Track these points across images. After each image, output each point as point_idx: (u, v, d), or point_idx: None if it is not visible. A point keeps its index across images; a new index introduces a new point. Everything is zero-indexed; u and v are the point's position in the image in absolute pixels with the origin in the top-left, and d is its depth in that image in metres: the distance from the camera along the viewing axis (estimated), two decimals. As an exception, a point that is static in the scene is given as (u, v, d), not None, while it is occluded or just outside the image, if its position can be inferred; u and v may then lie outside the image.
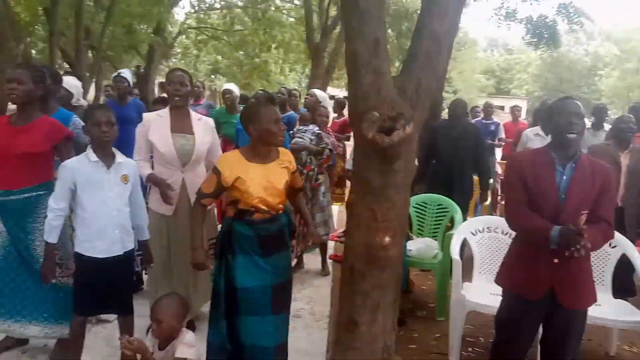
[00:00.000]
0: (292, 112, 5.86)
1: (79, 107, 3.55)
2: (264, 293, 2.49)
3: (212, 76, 25.60)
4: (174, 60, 22.33)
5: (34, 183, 2.71)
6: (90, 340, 2.88)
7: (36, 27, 15.30)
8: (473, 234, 3.50)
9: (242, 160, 2.48)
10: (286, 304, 2.66)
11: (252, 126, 2.47)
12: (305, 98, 5.42)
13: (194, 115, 3.20)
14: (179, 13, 29.94)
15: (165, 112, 3.13)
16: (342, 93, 24.27)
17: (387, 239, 2.18)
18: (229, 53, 20.58)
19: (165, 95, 3.96)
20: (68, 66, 13.75)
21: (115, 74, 4.93)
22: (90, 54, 15.14)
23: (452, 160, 4.70)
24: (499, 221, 3.52)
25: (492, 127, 7.30)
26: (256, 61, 19.68)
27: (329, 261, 4.82)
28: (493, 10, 8.97)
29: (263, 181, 2.46)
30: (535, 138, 5.08)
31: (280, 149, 2.62)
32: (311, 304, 3.90)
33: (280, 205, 2.56)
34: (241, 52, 19.77)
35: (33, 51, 15.72)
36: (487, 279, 3.22)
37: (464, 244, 3.49)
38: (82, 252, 2.52)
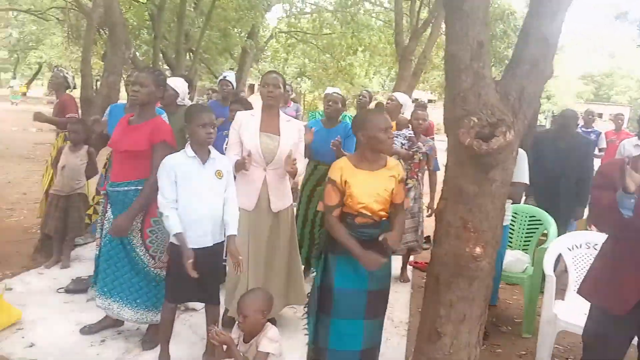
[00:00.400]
0: None
1: (182, 107, 3.81)
2: (359, 297, 2.49)
3: (299, 79, 26.13)
4: (264, 63, 23.06)
5: (135, 178, 2.87)
6: (178, 328, 3.03)
7: (141, 31, 16.46)
8: (569, 250, 3.29)
9: (350, 166, 2.51)
10: (381, 310, 2.64)
11: (361, 133, 2.47)
12: (387, 103, 5.32)
13: (283, 116, 3.28)
14: (271, 18, 30.87)
15: (257, 112, 3.26)
16: (426, 96, 23.81)
17: (478, 249, 2.09)
18: (316, 56, 20.89)
19: (242, 95, 4.08)
20: (168, 68, 14.64)
21: (221, 77, 5.16)
22: (187, 57, 16.04)
23: (560, 173, 4.41)
24: (599, 237, 3.27)
25: (593, 136, 6.82)
26: (341, 64, 19.82)
27: (409, 268, 4.74)
28: (600, 10, 8.38)
29: (368, 188, 2.47)
30: (635, 149, 4.66)
31: (390, 158, 2.60)
32: (390, 309, 3.80)
33: (383, 213, 2.54)
34: (327, 55, 19.98)
35: (137, 53, 16.92)
36: (583, 298, 3.01)
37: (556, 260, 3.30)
38: (176, 242, 2.66)
